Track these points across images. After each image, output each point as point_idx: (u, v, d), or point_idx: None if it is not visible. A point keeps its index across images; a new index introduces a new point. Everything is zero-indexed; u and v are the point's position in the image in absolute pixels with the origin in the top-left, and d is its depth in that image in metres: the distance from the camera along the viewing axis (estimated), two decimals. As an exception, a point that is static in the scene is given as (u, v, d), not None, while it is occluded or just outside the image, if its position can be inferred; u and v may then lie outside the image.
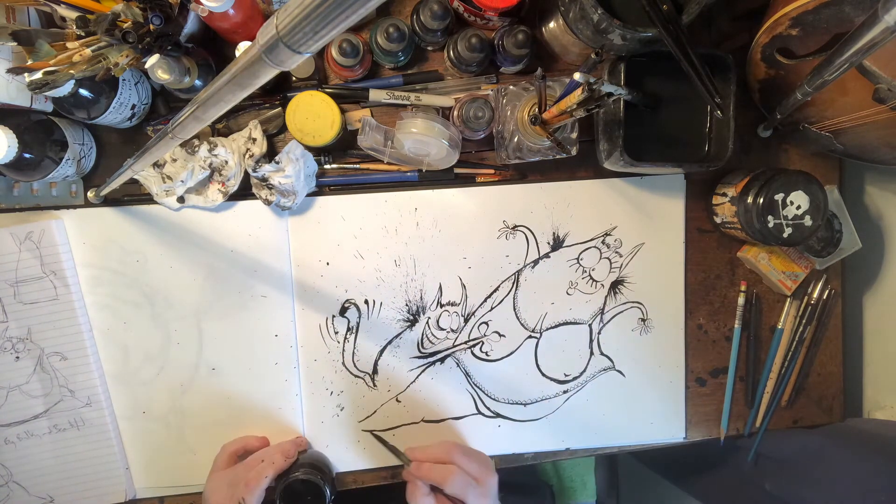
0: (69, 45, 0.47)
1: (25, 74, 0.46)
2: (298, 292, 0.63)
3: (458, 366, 0.65)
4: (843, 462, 0.65)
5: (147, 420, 0.63)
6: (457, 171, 0.63)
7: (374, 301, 0.64)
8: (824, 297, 0.68)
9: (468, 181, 0.64)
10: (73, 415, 0.61)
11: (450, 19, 0.56)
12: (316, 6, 0.21)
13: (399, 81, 0.61)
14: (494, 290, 0.65)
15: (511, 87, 0.56)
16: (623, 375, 0.68)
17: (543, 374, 0.67)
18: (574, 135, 0.56)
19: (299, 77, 0.59)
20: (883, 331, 0.72)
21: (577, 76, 0.45)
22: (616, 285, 0.66)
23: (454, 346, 0.65)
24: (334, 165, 0.62)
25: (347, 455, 0.64)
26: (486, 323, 0.65)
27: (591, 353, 0.67)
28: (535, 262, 0.65)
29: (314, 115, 0.56)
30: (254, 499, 0.54)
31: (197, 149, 0.57)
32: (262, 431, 0.63)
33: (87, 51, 0.46)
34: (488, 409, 0.66)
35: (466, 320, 0.65)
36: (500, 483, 0.58)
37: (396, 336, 0.64)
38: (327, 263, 0.63)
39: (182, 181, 0.58)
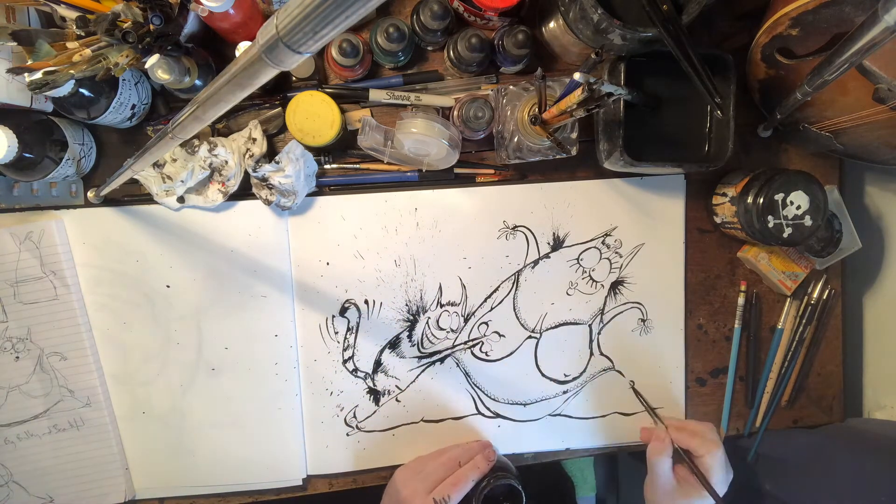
0: (69, 45, 0.47)
1: (25, 74, 0.46)
2: (298, 292, 0.63)
3: (458, 366, 0.65)
4: (843, 462, 0.65)
5: (147, 420, 0.63)
6: (457, 171, 0.63)
7: (374, 301, 0.64)
8: (824, 297, 0.68)
9: (468, 181, 0.64)
10: (73, 415, 0.61)
11: (450, 19, 0.56)
12: (316, 6, 0.21)
13: (399, 81, 0.61)
14: (494, 291, 0.65)
15: (511, 87, 0.56)
16: (623, 375, 0.68)
17: (543, 375, 0.67)
18: (574, 135, 0.56)
19: (299, 77, 0.59)
20: (883, 331, 0.72)
21: (577, 76, 0.45)
22: (616, 286, 0.66)
23: (454, 346, 0.65)
24: (334, 165, 0.62)
25: (347, 455, 0.64)
26: (486, 323, 0.65)
27: (591, 354, 0.67)
28: (535, 263, 0.65)
29: (314, 115, 0.56)
30: (458, 498, 0.56)
31: (197, 149, 0.57)
32: (262, 431, 0.63)
33: (87, 51, 0.46)
34: (488, 409, 0.66)
35: (466, 320, 0.65)
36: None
37: (396, 336, 0.64)
38: (327, 263, 0.63)
39: (182, 181, 0.58)
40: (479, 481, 0.58)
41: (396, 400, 0.65)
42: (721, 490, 0.58)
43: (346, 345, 0.64)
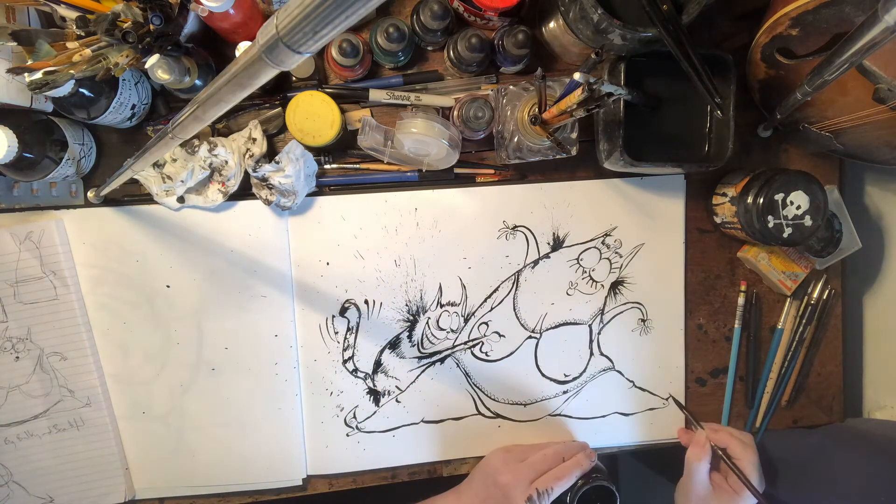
0: (69, 45, 0.47)
1: (25, 74, 0.46)
2: (298, 292, 0.63)
3: (457, 366, 0.65)
4: (843, 462, 0.65)
5: (147, 420, 0.63)
6: (457, 171, 0.63)
7: (374, 301, 0.64)
8: (824, 297, 0.68)
9: (468, 181, 0.64)
10: (73, 415, 0.61)
11: (450, 19, 0.56)
12: (316, 6, 0.21)
13: (399, 81, 0.61)
14: (494, 291, 0.65)
15: (511, 87, 0.56)
16: (623, 375, 0.68)
17: (543, 375, 0.67)
18: (574, 135, 0.56)
19: (299, 77, 0.59)
20: (883, 331, 0.72)
21: (577, 76, 0.45)
22: (616, 286, 0.66)
23: (454, 347, 0.65)
24: (334, 165, 0.62)
25: (347, 455, 0.64)
26: (485, 323, 0.65)
27: (591, 354, 0.67)
28: (535, 263, 0.65)
29: (314, 115, 0.56)
30: (559, 492, 0.56)
31: (197, 149, 0.57)
32: (262, 431, 0.63)
33: (87, 51, 0.46)
34: (488, 409, 0.66)
35: (466, 320, 0.65)
36: None
37: (396, 336, 0.64)
38: (327, 263, 0.63)
39: (182, 181, 0.58)
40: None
41: (396, 400, 0.65)
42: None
43: (346, 345, 0.64)
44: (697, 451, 0.60)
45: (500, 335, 0.66)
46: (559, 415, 0.67)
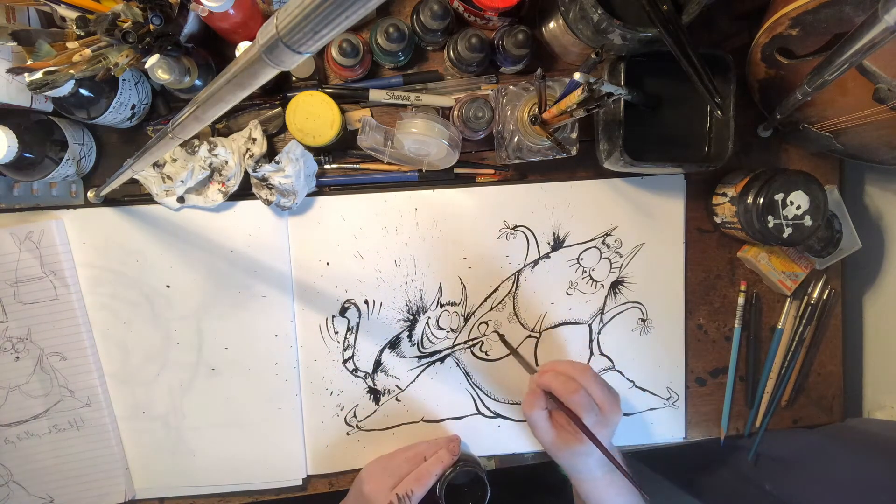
0: (69, 45, 0.47)
1: (25, 74, 0.46)
2: (298, 292, 0.63)
3: (457, 365, 0.65)
4: (843, 462, 0.65)
5: (147, 420, 0.63)
6: (457, 171, 0.63)
7: (374, 301, 0.64)
8: (824, 297, 0.68)
9: (468, 181, 0.64)
10: (73, 415, 0.61)
11: (450, 19, 0.56)
12: (316, 6, 0.21)
13: (399, 81, 0.61)
14: (494, 290, 0.65)
15: (511, 87, 0.56)
16: (623, 375, 0.68)
17: (543, 374, 0.66)
18: (574, 135, 0.56)
19: (299, 77, 0.59)
20: (883, 331, 0.72)
21: (577, 76, 0.45)
22: (616, 285, 0.66)
23: (454, 346, 0.65)
24: (334, 165, 0.62)
25: (347, 455, 0.64)
26: (485, 323, 0.65)
27: (591, 354, 0.67)
28: (536, 262, 0.65)
29: (314, 115, 0.56)
30: (422, 493, 0.56)
31: (197, 149, 0.57)
32: (262, 431, 0.63)
33: (87, 51, 0.46)
34: (488, 409, 0.66)
35: (466, 320, 0.65)
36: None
37: (396, 336, 0.64)
38: (327, 263, 0.63)
39: (182, 181, 0.58)
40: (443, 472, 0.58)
41: (396, 399, 0.65)
42: (601, 433, 0.52)
43: (346, 345, 0.64)
44: (528, 398, 0.55)
45: (500, 335, 0.65)
46: (559, 415, 0.67)
